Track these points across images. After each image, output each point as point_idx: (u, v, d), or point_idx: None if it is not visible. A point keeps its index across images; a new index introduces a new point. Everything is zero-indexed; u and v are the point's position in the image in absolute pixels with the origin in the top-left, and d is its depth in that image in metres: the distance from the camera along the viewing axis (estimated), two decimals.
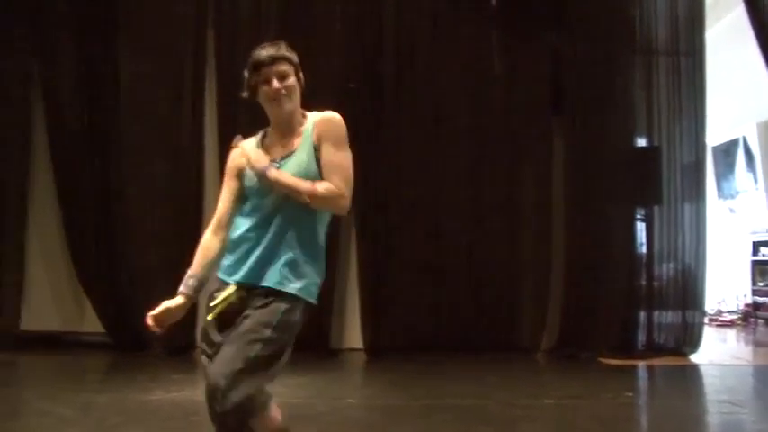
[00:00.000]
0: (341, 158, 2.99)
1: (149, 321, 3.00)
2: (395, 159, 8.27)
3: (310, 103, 8.73)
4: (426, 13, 8.43)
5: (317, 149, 2.99)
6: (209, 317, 2.94)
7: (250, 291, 2.93)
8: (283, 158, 2.99)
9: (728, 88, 10.90)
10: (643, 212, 8.37)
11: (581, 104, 8.32)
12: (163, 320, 3.00)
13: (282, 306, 2.90)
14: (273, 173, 2.92)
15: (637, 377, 7.42)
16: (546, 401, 5.92)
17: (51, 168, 8.43)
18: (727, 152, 11.78)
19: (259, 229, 2.96)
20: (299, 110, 3.06)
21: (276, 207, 2.97)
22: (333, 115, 3.05)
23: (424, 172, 8.27)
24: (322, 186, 2.93)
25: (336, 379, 7.17)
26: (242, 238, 2.98)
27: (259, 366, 2.82)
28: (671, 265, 8.36)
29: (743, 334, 10.61)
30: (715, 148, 11.58)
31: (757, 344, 9.94)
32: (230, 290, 2.93)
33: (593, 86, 8.29)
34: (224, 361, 2.81)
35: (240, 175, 3.06)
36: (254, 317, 2.88)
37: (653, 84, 8.28)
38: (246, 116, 8.17)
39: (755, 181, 11.30)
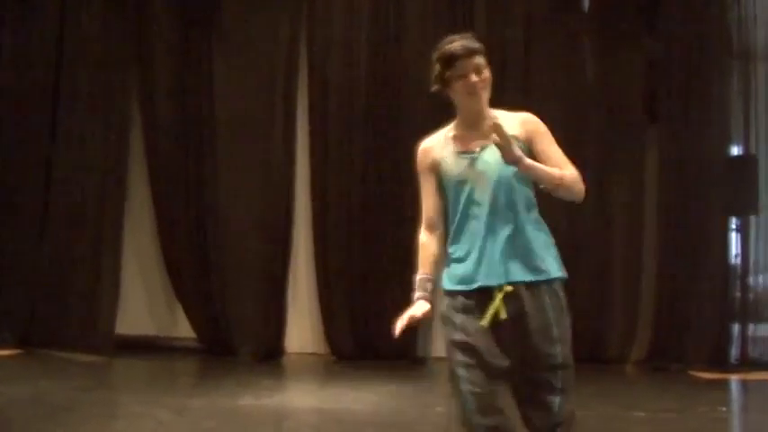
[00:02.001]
0: (560, 152, 3.02)
1: (397, 333, 3.00)
2: None
3: (400, 112, 8.70)
4: (519, 20, 8.37)
5: (519, 141, 2.96)
6: (486, 321, 2.86)
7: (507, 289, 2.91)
8: (482, 149, 2.98)
9: None
10: (738, 222, 8.17)
11: (676, 111, 8.16)
12: (409, 327, 3.03)
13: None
14: (526, 159, 2.89)
15: (730, 392, 7.26)
16: (637, 414, 5.84)
17: (147, 179, 8.69)
18: None
19: (487, 223, 2.93)
20: (487, 104, 3.07)
21: (495, 195, 2.94)
22: (533, 116, 3.10)
23: None
24: (568, 172, 2.95)
25: (425, 388, 7.18)
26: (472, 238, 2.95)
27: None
28: (766, 277, 8.14)
29: None
30: None
31: None
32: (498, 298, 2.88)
33: (688, 93, 8.12)
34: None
35: (437, 169, 3.04)
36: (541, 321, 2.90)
37: (750, 90, 8.05)
38: (337, 128, 8.53)
39: None
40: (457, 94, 2.98)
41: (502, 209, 2.93)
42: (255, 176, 8.48)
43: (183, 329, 8.68)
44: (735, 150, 8.30)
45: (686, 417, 5.72)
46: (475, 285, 2.90)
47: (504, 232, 2.91)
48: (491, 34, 8.23)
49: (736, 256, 8.16)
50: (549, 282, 2.94)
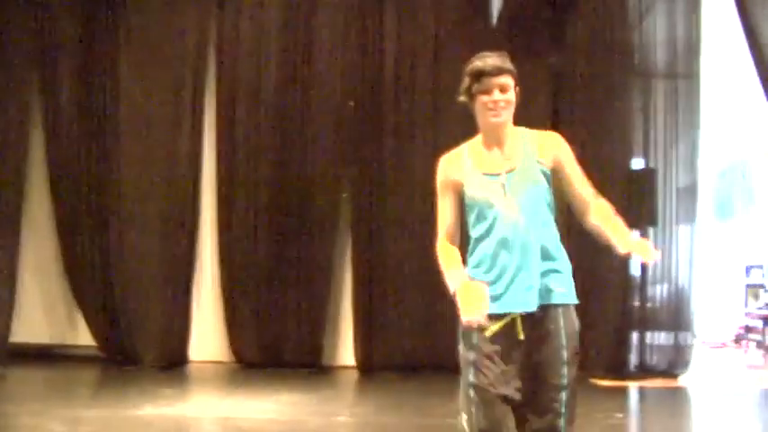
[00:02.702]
0: (582, 174, 3.09)
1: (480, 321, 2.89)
2: (394, 176, 8.33)
3: (310, 119, 8.70)
4: (427, 31, 8.48)
5: (543, 166, 3.02)
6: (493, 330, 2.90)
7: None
8: (508, 172, 3.01)
9: (729, 112, 10.97)
10: (638, 234, 8.40)
11: (579, 125, 8.37)
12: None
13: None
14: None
15: (628, 398, 7.45)
16: None
17: (47, 180, 8.48)
18: (725, 175, 11.88)
19: (515, 248, 2.95)
20: (510, 123, 3.08)
21: (523, 219, 2.96)
22: (557, 134, 3.14)
23: (422, 189, 8.28)
24: (611, 211, 3.03)
25: (329, 397, 7.19)
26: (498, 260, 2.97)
27: None
28: (664, 287, 8.40)
29: (735, 356, 10.67)
30: (714, 171, 11.67)
31: (748, 366, 9.99)
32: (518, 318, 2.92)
33: (591, 108, 8.35)
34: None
35: (457, 188, 3.05)
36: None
37: (650, 106, 8.33)
38: (244, 131, 8.44)
39: (752, 205, 11.39)
40: (479, 109, 3.01)
41: (529, 233, 2.96)
42: (161, 179, 8.36)
43: (83, 337, 8.48)
44: (636, 164, 8.51)
45: (582, 423, 5.83)
46: (501, 311, 2.92)
47: (532, 257, 2.95)
48: (400, 45, 8.42)
49: (635, 266, 8.39)
50: (567, 306, 3.00)
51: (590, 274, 8.20)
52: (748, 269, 11.59)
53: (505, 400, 2.91)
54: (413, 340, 8.06)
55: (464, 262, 3.04)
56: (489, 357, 2.91)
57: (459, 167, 3.06)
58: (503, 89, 2.98)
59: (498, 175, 3.00)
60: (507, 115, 3.02)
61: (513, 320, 2.92)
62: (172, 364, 8.06)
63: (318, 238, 8.34)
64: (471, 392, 2.93)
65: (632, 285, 8.42)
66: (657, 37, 8.42)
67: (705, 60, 8.42)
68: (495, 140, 3.05)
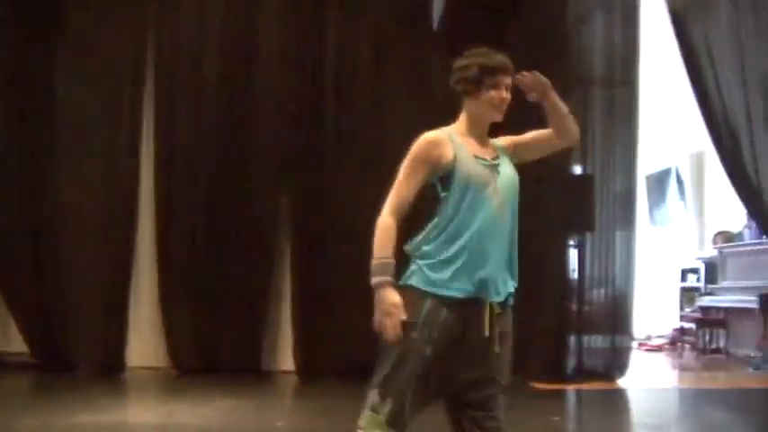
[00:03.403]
0: None
1: (394, 335, 2.83)
2: (334, 180, 8.31)
3: (250, 123, 8.64)
4: (368, 37, 8.51)
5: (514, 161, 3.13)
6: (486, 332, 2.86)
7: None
8: (495, 159, 3.06)
9: (662, 118, 11.21)
10: (576, 239, 8.54)
11: (518, 130, 8.47)
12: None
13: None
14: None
15: (565, 401, 7.58)
16: None
17: None
18: (659, 181, 12.13)
19: (495, 234, 2.94)
20: None
21: (505, 207, 2.98)
22: None
23: (362, 193, 8.30)
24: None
25: (267, 402, 7.16)
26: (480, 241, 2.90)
27: None
28: (602, 291, 8.54)
29: (670, 359, 10.92)
30: (648, 177, 11.90)
31: (683, 368, 10.24)
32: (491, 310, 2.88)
33: (529, 113, 8.44)
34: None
35: (441, 164, 2.95)
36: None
37: (588, 112, 8.38)
38: (184, 136, 8.38)
39: (685, 209, 11.66)
40: (481, 102, 3.02)
41: (505, 222, 2.98)
42: (97, 183, 8.26)
43: (16, 343, 8.31)
44: (573, 170, 8.63)
45: (520, 426, 5.91)
46: (473, 295, 2.86)
47: (505, 246, 2.97)
48: (341, 48, 8.44)
49: (573, 270, 8.53)
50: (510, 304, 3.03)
51: (528, 277, 8.28)
52: (683, 273, 11.88)
53: (448, 394, 2.91)
54: (353, 345, 8.06)
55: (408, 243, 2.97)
56: (442, 361, 2.83)
57: (449, 147, 2.97)
58: (508, 88, 3.05)
59: (487, 160, 3.01)
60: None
61: (481, 313, 2.87)
62: (108, 370, 7.94)
63: (258, 243, 8.32)
64: (413, 383, 2.82)
65: (570, 289, 8.55)
66: (595, 44, 8.53)
67: (643, 67, 8.55)
68: (476, 133, 3.08)
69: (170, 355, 8.27)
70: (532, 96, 3.12)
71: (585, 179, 8.49)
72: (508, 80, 3.04)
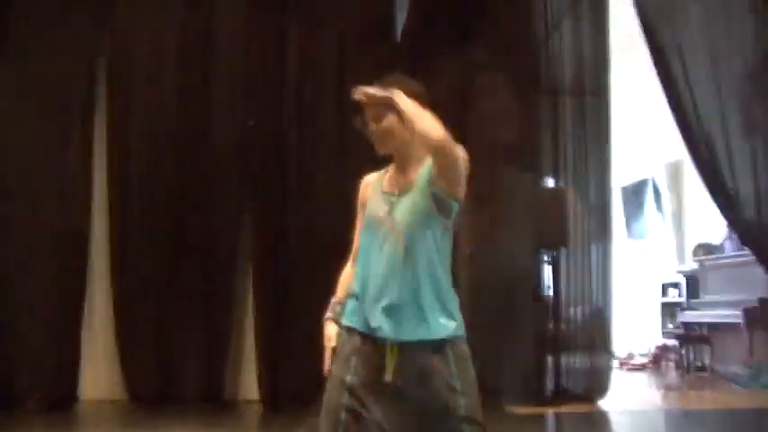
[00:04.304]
0: None
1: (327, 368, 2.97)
2: (297, 198, 8.19)
3: (208, 141, 8.32)
4: (331, 48, 8.43)
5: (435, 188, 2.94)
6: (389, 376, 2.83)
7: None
8: (401, 193, 3.01)
9: (637, 128, 11.16)
10: (549, 255, 8.41)
11: (485, 143, 8.36)
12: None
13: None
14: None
15: (544, 426, 7.41)
16: None
17: None
18: (636, 192, 12.06)
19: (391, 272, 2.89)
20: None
21: (404, 243, 2.89)
22: None
23: (327, 214, 8.09)
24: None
25: None
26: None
27: None
28: (579, 309, 8.42)
29: (653, 377, 10.78)
30: (624, 189, 11.85)
31: (667, 387, 10.10)
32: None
33: (497, 126, 8.34)
34: None
35: (365, 206, 3.06)
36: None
37: (558, 124, 8.38)
38: (139, 153, 8.15)
39: (663, 221, 11.58)
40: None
41: (410, 258, 2.87)
42: (46, 206, 7.98)
43: None
44: (544, 183, 8.57)
45: None
46: (368, 329, 2.88)
47: (414, 283, 2.86)
48: (303, 62, 8.33)
49: (548, 288, 8.40)
50: (444, 340, 2.89)
51: (501, 297, 8.17)
52: (664, 288, 11.77)
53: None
54: (318, 372, 7.87)
55: None
56: (366, 389, 2.86)
57: (368, 188, 3.08)
58: (376, 120, 2.96)
59: (393, 194, 2.95)
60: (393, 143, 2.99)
61: (385, 351, 2.84)
62: (59, 403, 7.68)
63: (218, 266, 8.15)
64: (342, 416, 2.86)
65: (545, 308, 8.41)
66: (564, 53, 8.50)
67: (614, 76, 8.53)
68: (398, 166, 3.04)
69: (126, 386, 8.03)
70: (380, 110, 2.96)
71: (557, 192, 8.42)
72: (372, 111, 2.97)
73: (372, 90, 2.90)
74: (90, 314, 8.10)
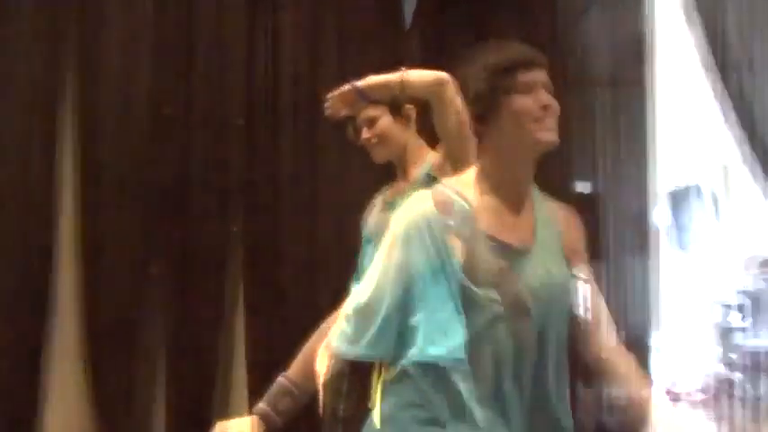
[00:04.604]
0: None
1: None
2: (291, 204, 7.98)
3: (193, 142, 7.64)
4: (331, 39, 8.26)
5: None
6: None
7: None
8: None
9: (688, 128, 10.71)
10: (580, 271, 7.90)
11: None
12: None
13: None
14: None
15: None
16: None
17: None
18: (686, 198, 11.63)
19: None
20: None
21: None
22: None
23: (326, 221, 7.87)
24: None
25: None
26: None
27: None
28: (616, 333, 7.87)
29: (711, 412, 10.11)
30: (671, 194, 11.42)
31: (728, 423, 9.54)
32: None
33: None
34: None
35: None
36: None
37: (591, 119, 8.12)
38: (111, 162, 7.69)
39: (718, 231, 11.13)
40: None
41: None
42: (8, 225, 7.54)
43: None
44: (575, 187, 8.22)
45: None
46: None
47: None
48: (300, 53, 8.10)
49: (578, 307, 7.88)
50: None
51: None
52: (724, 309, 11.15)
53: None
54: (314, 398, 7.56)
55: None
56: None
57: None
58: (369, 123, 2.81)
59: None
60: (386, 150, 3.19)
61: None
62: None
63: (204, 287, 7.88)
64: None
65: (577, 329, 7.90)
66: (598, 41, 8.22)
67: (657, 66, 8.22)
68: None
69: (97, 425, 7.59)
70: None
71: (590, 198, 8.04)
72: (361, 116, 3.20)
73: (339, 91, 2.80)
74: (54, 351, 7.63)
